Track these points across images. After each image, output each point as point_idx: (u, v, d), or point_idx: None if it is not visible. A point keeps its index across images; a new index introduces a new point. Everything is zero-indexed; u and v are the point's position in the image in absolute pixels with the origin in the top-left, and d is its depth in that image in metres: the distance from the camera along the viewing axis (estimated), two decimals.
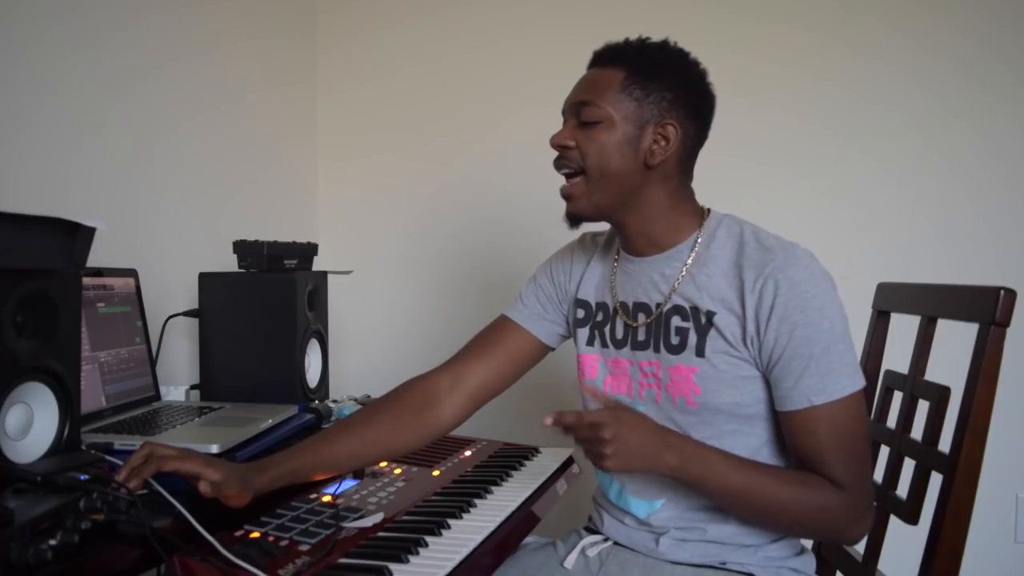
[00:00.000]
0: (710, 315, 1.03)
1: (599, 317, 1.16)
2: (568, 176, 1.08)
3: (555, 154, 1.08)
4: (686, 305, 1.05)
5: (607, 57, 1.07)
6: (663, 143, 1.04)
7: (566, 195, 1.08)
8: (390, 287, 2.35)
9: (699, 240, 1.07)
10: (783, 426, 1.02)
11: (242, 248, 1.53)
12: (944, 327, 1.18)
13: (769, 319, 0.98)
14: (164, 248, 1.73)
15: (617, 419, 0.92)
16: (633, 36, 1.09)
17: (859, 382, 0.98)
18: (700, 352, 1.03)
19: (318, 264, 1.69)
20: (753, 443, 1.05)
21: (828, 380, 0.96)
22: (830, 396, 0.96)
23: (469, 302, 2.23)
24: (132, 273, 1.43)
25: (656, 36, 1.08)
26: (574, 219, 1.09)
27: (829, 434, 0.97)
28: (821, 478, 0.97)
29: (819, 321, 0.97)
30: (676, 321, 1.06)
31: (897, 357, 1.31)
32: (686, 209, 1.09)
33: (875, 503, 1.20)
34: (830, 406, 0.96)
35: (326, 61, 2.38)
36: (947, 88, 1.95)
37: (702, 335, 1.03)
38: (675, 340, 1.06)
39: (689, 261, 1.06)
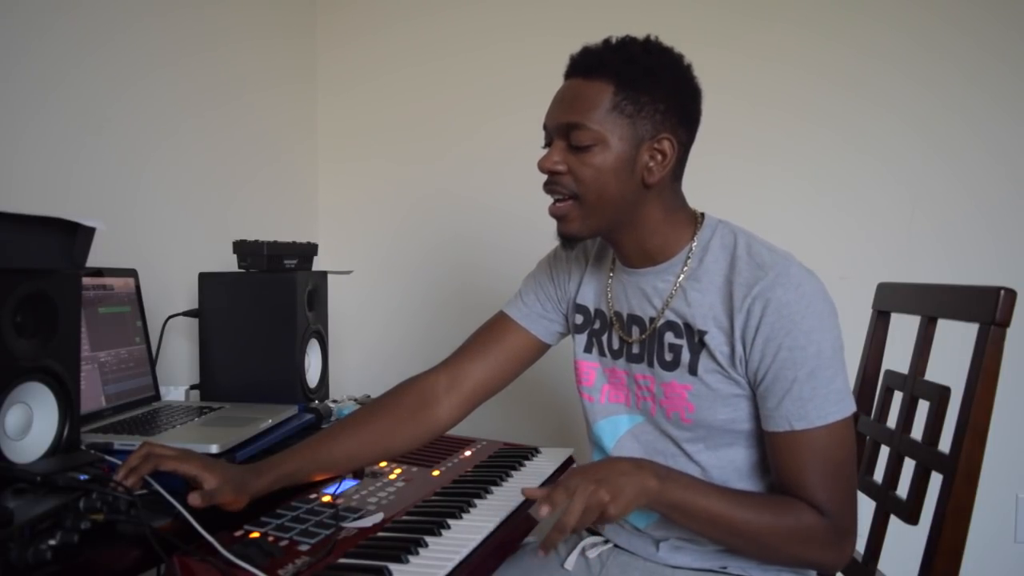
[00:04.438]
0: (701, 334, 1.00)
1: (596, 325, 1.14)
2: (559, 201, 1.02)
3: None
4: (679, 321, 1.02)
5: (590, 67, 0.99)
6: (660, 159, 0.98)
7: (558, 216, 1.02)
8: (390, 287, 2.35)
9: (692, 252, 1.03)
10: (767, 446, 0.99)
11: (242, 248, 1.53)
12: (944, 327, 1.18)
13: (755, 339, 0.95)
14: (164, 248, 1.73)
15: (584, 472, 0.90)
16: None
17: (846, 409, 0.94)
18: (693, 370, 1.01)
19: (318, 264, 1.68)
20: (751, 456, 1.03)
21: (811, 406, 0.93)
22: (811, 423, 0.93)
23: (470, 300, 2.23)
24: (132, 273, 1.43)
25: (648, 34, 1.04)
26: (569, 240, 1.04)
27: (811, 460, 0.94)
28: (801, 503, 0.94)
29: (805, 344, 0.93)
30: (669, 337, 1.03)
31: (897, 357, 1.31)
32: (680, 219, 1.04)
33: (874, 512, 1.20)
34: (813, 432, 0.93)
35: (326, 61, 2.38)
36: (947, 88, 1.95)
37: (695, 353, 1.01)
38: (668, 356, 1.03)
39: (682, 275, 1.02)
